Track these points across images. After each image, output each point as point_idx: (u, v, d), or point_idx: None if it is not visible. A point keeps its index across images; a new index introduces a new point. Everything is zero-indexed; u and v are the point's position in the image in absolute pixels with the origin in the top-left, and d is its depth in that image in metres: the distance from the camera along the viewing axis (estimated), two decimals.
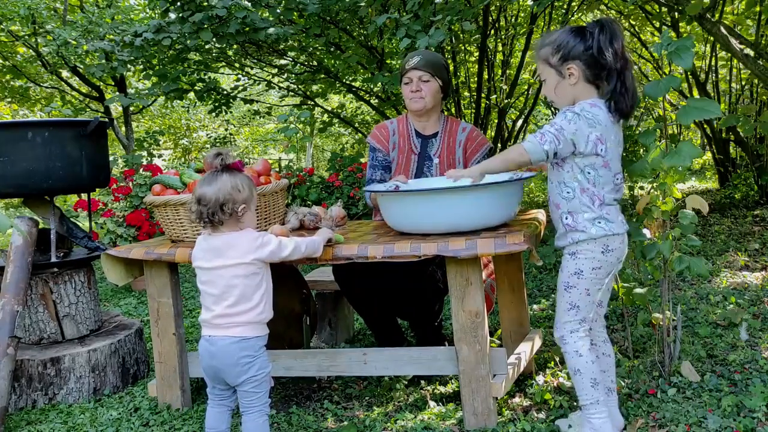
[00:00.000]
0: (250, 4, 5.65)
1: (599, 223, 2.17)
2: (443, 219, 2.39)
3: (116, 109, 11.70)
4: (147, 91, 6.82)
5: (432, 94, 3.01)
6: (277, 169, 10.55)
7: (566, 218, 2.20)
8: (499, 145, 8.29)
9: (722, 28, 4.16)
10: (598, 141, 2.12)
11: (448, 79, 3.09)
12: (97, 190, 3.75)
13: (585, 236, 2.17)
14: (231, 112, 9.40)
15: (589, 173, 2.15)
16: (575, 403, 2.31)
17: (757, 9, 5.44)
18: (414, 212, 2.44)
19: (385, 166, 3.15)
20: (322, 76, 7.38)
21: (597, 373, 2.22)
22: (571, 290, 2.22)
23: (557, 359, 2.97)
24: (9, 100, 12.34)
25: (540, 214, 2.82)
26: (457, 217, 2.38)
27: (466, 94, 8.15)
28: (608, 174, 2.17)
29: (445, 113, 3.99)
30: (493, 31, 7.43)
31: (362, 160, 7.30)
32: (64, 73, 11.55)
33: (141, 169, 6.01)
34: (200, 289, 2.23)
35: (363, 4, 5.38)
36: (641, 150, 2.99)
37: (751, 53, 4.45)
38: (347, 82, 7.61)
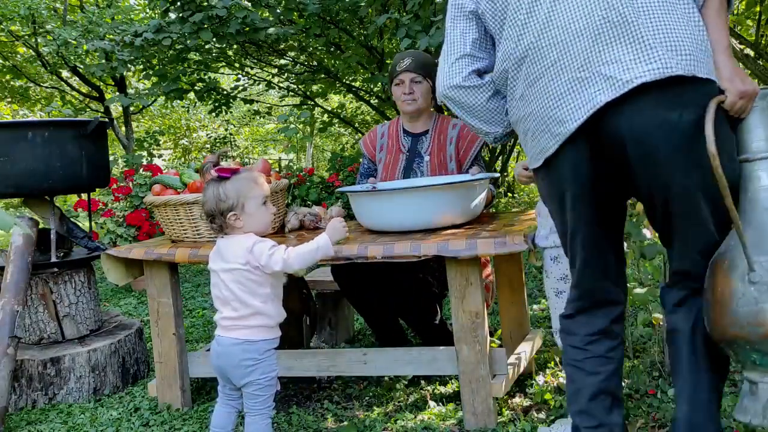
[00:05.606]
0: (250, 4, 5.65)
1: None
2: (397, 217, 2.56)
3: (116, 109, 11.69)
4: (147, 91, 6.82)
5: (424, 96, 3.00)
6: (277, 169, 10.54)
7: None
8: (499, 145, 8.27)
9: None
10: None
11: None
12: (97, 190, 3.75)
13: None
14: (231, 112, 9.40)
15: None
16: None
17: (757, 9, 5.44)
18: (379, 212, 2.60)
19: (369, 174, 3.20)
20: (322, 76, 7.38)
21: None
22: (562, 296, 2.25)
23: (557, 359, 2.96)
24: (9, 100, 12.34)
25: None
26: (414, 216, 2.54)
27: None
28: None
29: (446, 113, 3.98)
30: None
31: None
32: (64, 73, 11.54)
33: (141, 169, 6.01)
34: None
35: (363, 4, 5.38)
36: None
37: (751, 53, 4.45)
38: (347, 82, 7.60)
